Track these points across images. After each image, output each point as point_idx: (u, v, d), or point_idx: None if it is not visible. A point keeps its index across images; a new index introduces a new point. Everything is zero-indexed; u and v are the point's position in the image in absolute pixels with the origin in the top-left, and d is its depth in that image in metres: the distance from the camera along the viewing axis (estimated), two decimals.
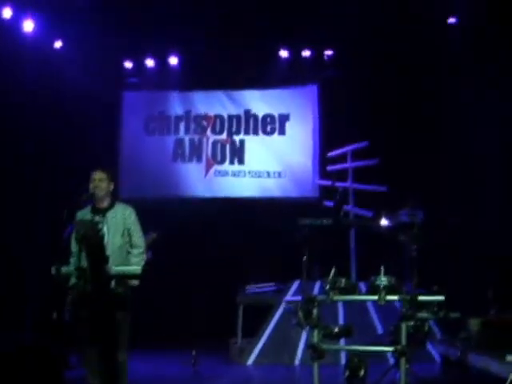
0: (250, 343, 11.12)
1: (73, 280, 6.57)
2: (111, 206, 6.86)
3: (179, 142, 13.84)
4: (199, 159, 13.74)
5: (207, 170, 13.67)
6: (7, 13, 12.58)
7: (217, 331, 11.39)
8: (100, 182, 6.83)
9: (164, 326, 11.81)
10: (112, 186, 6.92)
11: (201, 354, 9.74)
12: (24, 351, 4.35)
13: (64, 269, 6.46)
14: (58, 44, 13.33)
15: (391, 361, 8.82)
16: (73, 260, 6.69)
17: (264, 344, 10.97)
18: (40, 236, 11.87)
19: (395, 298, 6.85)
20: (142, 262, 6.75)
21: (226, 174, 13.62)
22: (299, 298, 8.13)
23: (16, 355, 4.33)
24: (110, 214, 6.78)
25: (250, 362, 10.85)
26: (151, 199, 12.42)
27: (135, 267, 6.49)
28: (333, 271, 7.12)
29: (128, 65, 13.84)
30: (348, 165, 12.35)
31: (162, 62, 13.75)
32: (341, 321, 10.46)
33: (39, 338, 6.31)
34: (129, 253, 6.81)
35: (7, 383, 4.23)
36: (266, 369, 10.43)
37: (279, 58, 13.34)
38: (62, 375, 4.27)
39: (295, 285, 11.46)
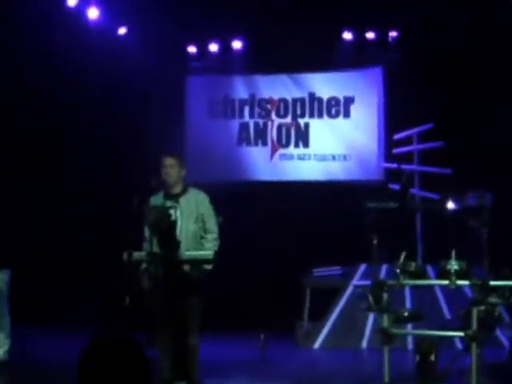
0: (317, 327, 11.15)
1: (144, 265, 6.66)
2: (184, 191, 6.90)
3: (244, 126, 13.85)
4: (264, 143, 13.74)
5: (272, 154, 13.66)
6: (72, 1, 12.77)
7: (283, 315, 11.44)
8: (171, 168, 6.87)
9: (232, 309, 11.88)
10: (183, 172, 6.96)
11: (268, 337, 9.75)
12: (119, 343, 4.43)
13: (136, 254, 6.54)
14: (122, 31, 13.43)
15: (459, 346, 8.80)
16: (145, 245, 6.77)
17: (331, 328, 11.00)
18: (113, 223, 11.99)
19: (466, 282, 6.78)
20: (216, 248, 6.79)
21: (291, 157, 13.60)
22: (368, 282, 8.14)
23: (112, 347, 4.41)
24: (182, 200, 6.82)
25: (316, 345, 10.89)
26: (216, 183, 12.45)
27: (207, 252, 6.53)
28: (403, 255, 7.08)
29: (192, 49, 13.86)
30: (413, 147, 12.23)
31: (225, 46, 13.73)
32: (408, 305, 10.42)
33: (123, 327, 6.41)
34: (202, 238, 6.86)
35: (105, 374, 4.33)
36: (333, 352, 10.46)
37: (343, 40, 13.19)
38: (148, 361, 4.36)
39: (362, 268, 11.43)
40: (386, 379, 6.93)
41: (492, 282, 6.76)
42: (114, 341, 4.61)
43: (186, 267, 6.53)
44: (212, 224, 6.88)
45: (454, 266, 6.75)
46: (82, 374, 4.52)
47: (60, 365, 8.21)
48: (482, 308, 6.73)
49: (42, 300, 11.84)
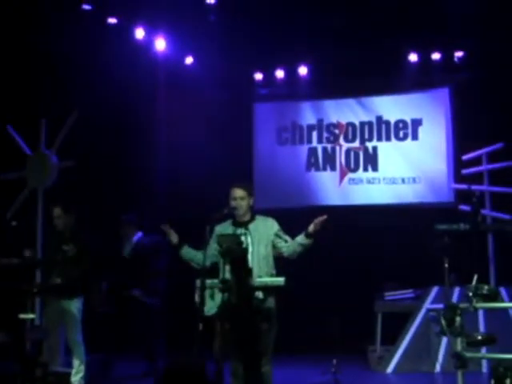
0: (389, 351, 11.08)
1: (215, 293, 6.76)
2: (252, 218, 7.00)
3: (312, 151, 13.91)
4: (333, 168, 13.76)
5: (341, 179, 13.67)
6: (140, 33, 13.08)
7: (355, 339, 11.40)
8: (241, 200, 6.96)
9: (304, 334, 11.90)
10: (252, 201, 7.05)
11: (341, 362, 9.73)
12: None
13: (209, 281, 6.66)
14: (188, 60, 13.69)
15: None
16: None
17: (404, 351, 10.91)
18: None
19: None
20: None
21: (360, 181, 13.59)
22: (441, 305, 8.08)
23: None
24: (251, 226, 6.92)
25: (389, 369, 10.81)
26: (286, 209, 12.52)
27: (279, 280, 6.60)
28: (475, 278, 7.04)
29: (258, 76, 14.03)
30: (483, 167, 12.12)
31: (291, 71, 13.85)
32: (482, 328, 10.29)
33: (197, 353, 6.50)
34: (280, 251, 6.94)
35: None
36: (407, 377, 10.37)
37: (408, 62, 13.18)
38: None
39: (434, 291, 11.34)
40: None
41: None
42: (187, 369, 4.70)
43: (260, 294, 6.61)
44: (288, 237, 6.94)
45: None
46: None
47: None
48: None
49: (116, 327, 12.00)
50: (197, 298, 7.57)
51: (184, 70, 13.58)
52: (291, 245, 6.91)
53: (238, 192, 7.00)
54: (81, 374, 8.68)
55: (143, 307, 10.36)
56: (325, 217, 6.81)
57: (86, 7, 12.66)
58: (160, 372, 6.15)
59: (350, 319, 11.84)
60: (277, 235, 6.96)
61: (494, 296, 7.09)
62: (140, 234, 10.68)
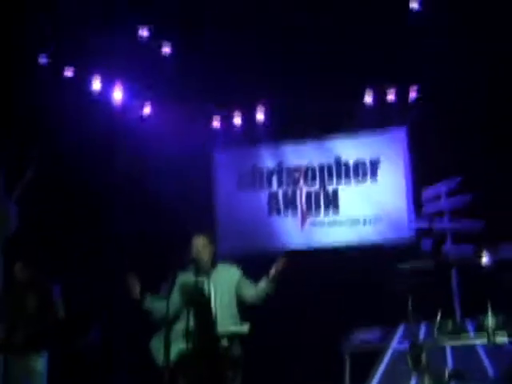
0: None
1: (179, 344, 6.70)
2: (214, 266, 6.99)
3: (273, 196, 13.92)
4: (294, 211, 13.78)
5: (303, 222, 13.69)
6: (97, 85, 13.10)
7: (325, 382, 11.34)
8: (204, 247, 6.97)
9: (272, 379, 11.82)
10: (214, 249, 7.05)
11: None
12: None
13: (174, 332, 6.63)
14: (146, 110, 13.72)
15: None
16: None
17: None
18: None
19: (505, 339, 6.73)
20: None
21: (322, 224, 13.62)
22: (406, 344, 8.09)
23: None
24: (214, 274, 6.90)
25: None
26: (249, 254, 12.50)
27: (243, 327, 6.59)
28: (439, 315, 7.08)
29: (216, 124, 14.07)
30: (443, 203, 12.22)
31: (249, 117, 13.91)
32: (450, 364, 10.29)
33: None
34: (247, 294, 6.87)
35: None
36: None
37: (364, 103, 13.30)
38: None
39: (401, 329, 11.33)
40: None
41: None
42: None
43: (225, 341, 6.57)
44: (252, 284, 6.89)
45: (490, 322, 6.72)
46: None
47: None
48: None
49: None
50: (152, 346, 7.57)
51: (142, 121, 13.60)
52: (255, 291, 6.88)
53: (200, 240, 7.02)
54: None
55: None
56: (284, 260, 6.80)
57: (43, 60, 12.68)
58: None
59: (318, 363, 11.84)
60: (240, 282, 6.94)
61: (458, 331, 7.15)
62: None
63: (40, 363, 8.47)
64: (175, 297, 6.78)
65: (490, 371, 10.35)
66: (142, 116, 13.62)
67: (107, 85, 13.26)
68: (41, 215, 11.48)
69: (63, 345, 9.56)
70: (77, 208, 12.99)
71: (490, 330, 6.70)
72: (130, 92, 13.40)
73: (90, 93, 13.06)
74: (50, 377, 8.62)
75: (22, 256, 8.87)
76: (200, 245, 6.90)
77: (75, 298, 9.31)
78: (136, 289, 7.02)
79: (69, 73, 12.96)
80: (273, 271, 6.90)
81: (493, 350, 8.56)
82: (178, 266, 6.87)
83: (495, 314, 6.79)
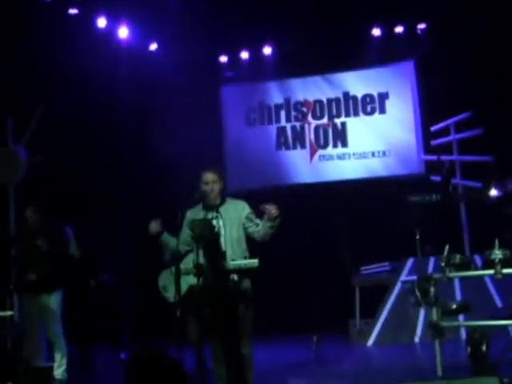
0: (369, 324, 11.19)
1: (189, 279, 6.77)
2: (223, 201, 6.98)
3: (281, 130, 13.93)
4: (303, 145, 13.79)
5: (312, 156, 13.70)
6: (102, 22, 12.98)
7: (335, 314, 11.50)
8: (213, 183, 6.91)
9: (283, 312, 11.97)
10: (223, 184, 7.03)
11: (321, 338, 9.77)
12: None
13: (183, 267, 6.68)
14: (153, 46, 13.64)
15: None
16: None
17: (383, 324, 11.03)
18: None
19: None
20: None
21: (330, 158, 13.62)
22: (415, 277, 8.14)
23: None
24: (222, 210, 6.89)
25: (370, 342, 10.92)
26: (258, 190, 12.55)
27: (252, 261, 6.59)
28: (446, 248, 7.11)
29: (223, 59, 14.01)
30: (452, 137, 12.20)
31: (256, 52, 13.84)
32: (458, 297, 10.41)
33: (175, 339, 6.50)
34: (253, 231, 6.88)
35: None
36: (387, 349, 10.48)
37: (372, 36, 13.22)
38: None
39: (409, 263, 11.46)
40: (439, 372, 6.96)
41: None
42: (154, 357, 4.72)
43: (235, 276, 6.60)
44: (259, 220, 6.86)
45: (497, 255, 6.76)
46: None
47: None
48: None
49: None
50: (160, 284, 7.66)
51: (149, 57, 13.51)
52: (262, 228, 6.86)
53: (210, 176, 6.95)
54: (63, 368, 8.66)
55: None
56: (270, 205, 6.72)
57: None
58: (131, 360, 6.14)
59: (329, 295, 11.97)
60: (248, 218, 6.92)
61: (466, 265, 7.17)
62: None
63: (53, 301, 8.60)
64: (185, 232, 6.82)
65: (498, 302, 10.51)
66: (149, 52, 13.52)
67: (113, 23, 13.10)
68: (52, 160, 11.49)
69: (76, 284, 9.75)
70: (87, 144, 12.95)
71: (496, 263, 6.72)
72: (135, 29, 13.26)
73: (95, 31, 12.91)
74: (63, 314, 8.76)
75: (31, 202, 8.91)
76: (209, 180, 6.87)
77: (87, 242, 9.42)
78: (158, 225, 7.03)
79: (73, 11, 12.80)
80: (266, 215, 6.85)
81: (500, 281, 8.64)
82: (188, 202, 6.88)
83: (503, 247, 6.81)
